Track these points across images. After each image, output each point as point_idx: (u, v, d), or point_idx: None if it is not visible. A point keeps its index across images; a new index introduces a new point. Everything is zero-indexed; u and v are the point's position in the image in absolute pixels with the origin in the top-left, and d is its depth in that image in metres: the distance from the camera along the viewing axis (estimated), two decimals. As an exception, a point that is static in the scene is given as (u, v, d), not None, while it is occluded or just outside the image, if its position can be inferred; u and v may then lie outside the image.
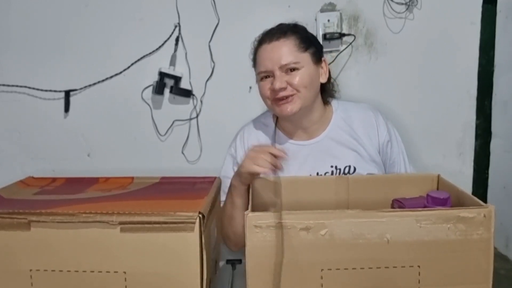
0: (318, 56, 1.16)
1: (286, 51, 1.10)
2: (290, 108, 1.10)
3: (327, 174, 1.16)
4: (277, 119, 1.22)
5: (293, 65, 1.09)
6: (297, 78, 1.09)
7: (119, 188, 1.03)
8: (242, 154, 1.21)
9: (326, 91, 1.21)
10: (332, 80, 1.24)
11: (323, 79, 1.17)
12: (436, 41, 1.69)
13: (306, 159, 1.17)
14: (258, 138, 1.22)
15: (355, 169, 1.15)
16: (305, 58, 1.11)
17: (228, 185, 1.19)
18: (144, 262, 0.80)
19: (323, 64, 1.18)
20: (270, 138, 1.21)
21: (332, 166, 1.16)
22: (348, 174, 1.15)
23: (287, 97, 1.10)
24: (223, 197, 1.16)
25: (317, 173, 1.16)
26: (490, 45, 1.74)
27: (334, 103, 1.24)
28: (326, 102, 1.22)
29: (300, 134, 1.19)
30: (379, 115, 1.24)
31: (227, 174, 1.22)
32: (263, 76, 1.13)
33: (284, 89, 1.09)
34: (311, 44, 1.14)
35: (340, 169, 1.16)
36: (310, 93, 1.12)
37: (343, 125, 1.19)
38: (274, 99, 1.11)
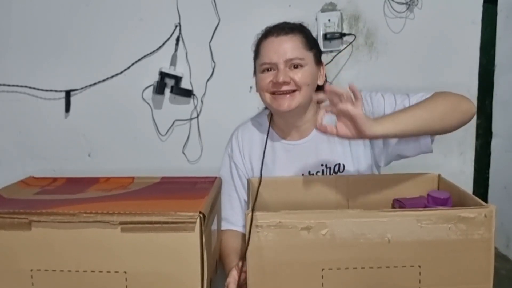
0: (319, 58, 1.18)
1: (293, 46, 1.10)
2: (288, 103, 1.10)
3: (318, 173, 1.16)
4: (271, 118, 1.22)
5: (298, 61, 1.10)
6: (300, 75, 1.10)
7: (119, 188, 1.03)
8: (238, 154, 1.22)
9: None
10: (326, 85, 1.23)
11: (321, 81, 1.18)
12: (436, 40, 1.69)
13: (297, 159, 1.18)
14: (253, 138, 1.22)
15: (344, 166, 1.16)
16: (309, 57, 1.12)
17: (226, 185, 1.19)
18: (145, 262, 0.80)
19: (321, 68, 1.19)
20: (264, 137, 1.21)
21: (322, 165, 1.16)
22: (338, 173, 1.15)
23: (287, 92, 1.10)
24: (223, 197, 1.17)
25: (309, 172, 1.16)
26: (491, 45, 1.74)
27: None
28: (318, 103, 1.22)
29: (292, 133, 1.19)
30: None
31: (225, 174, 1.22)
32: (266, 68, 1.12)
33: (288, 83, 1.09)
34: (314, 45, 1.16)
35: (330, 168, 1.16)
36: (309, 92, 1.12)
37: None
38: (274, 93, 1.11)
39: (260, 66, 1.13)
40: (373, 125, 0.92)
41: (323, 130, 0.94)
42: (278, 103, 1.10)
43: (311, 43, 1.14)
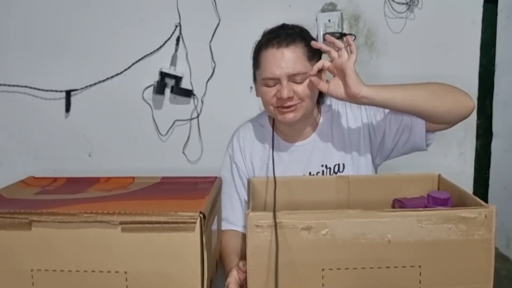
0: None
1: (295, 59, 1.08)
2: (292, 115, 1.10)
3: (318, 173, 1.16)
4: (273, 120, 1.22)
5: (300, 76, 1.08)
6: (302, 87, 1.09)
7: (120, 188, 1.03)
8: (239, 154, 1.22)
9: (320, 95, 1.20)
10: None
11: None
12: (437, 40, 1.69)
13: (299, 160, 1.18)
14: (254, 138, 1.22)
15: (344, 166, 1.16)
16: (311, 67, 1.10)
17: (227, 185, 1.19)
18: (145, 262, 0.80)
19: (323, 74, 1.17)
20: (265, 138, 1.21)
21: (322, 166, 1.17)
22: (338, 173, 1.16)
23: (291, 105, 1.09)
24: (223, 197, 1.17)
25: (309, 173, 1.17)
26: (491, 45, 1.74)
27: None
28: (318, 104, 1.22)
29: (294, 136, 1.20)
30: None
31: (226, 174, 1.22)
32: (268, 83, 1.11)
33: (291, 98, 1.08)
34: (316, 52, 1.13)
35: (330, 168, 1.16)
36: (312, 102, 1.13)
37: (330, 121, 1.19)
38: (278, 107, 1.11)
39: (262, 79, 1.12)
40: (361, 84, 0.98)
41: (316, 83, 1.04)
42: (283, 116, 1.11)
43: (312, 51, 1.12)
